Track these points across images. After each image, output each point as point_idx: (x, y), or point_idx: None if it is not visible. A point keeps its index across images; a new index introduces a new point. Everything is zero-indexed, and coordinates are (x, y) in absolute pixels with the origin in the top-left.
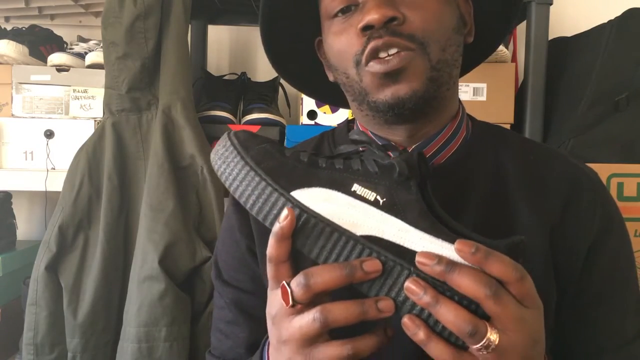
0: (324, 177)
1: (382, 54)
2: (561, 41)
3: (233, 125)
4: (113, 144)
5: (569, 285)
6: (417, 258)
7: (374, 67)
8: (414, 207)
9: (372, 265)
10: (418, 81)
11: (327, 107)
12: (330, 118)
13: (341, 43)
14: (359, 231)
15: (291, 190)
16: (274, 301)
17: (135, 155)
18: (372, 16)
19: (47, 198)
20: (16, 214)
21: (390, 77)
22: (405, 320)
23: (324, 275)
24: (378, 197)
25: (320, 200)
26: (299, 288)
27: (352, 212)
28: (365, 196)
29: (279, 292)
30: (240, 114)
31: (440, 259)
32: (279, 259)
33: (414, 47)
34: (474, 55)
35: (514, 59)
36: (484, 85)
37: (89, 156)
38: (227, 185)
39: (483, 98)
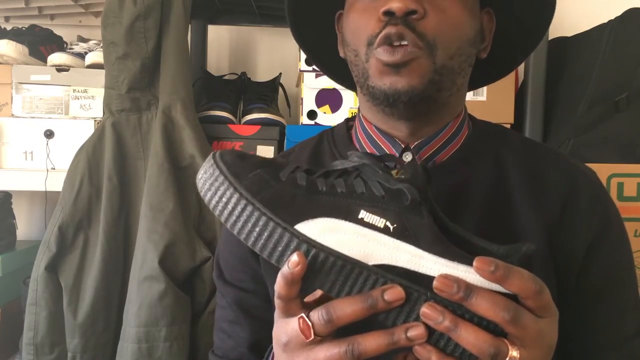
0: (327, 204)
1: (395, 43)
2: (561, 41)
3: (233, 125)
4: (113, 144)
5: (567, 284)
6: (435, 284)
7: (382, 54)
8: (426, 232)
9: (394, 294)
10: (418, 79)
11: (327, 107)
12: (330, 118)
13: (360, 21)
14: (372, 261)
15: (295, 224)
16: (286, 329)
17: (135, 155)
18: (395, 4)
19: (47, 198)
20: (16, 214)
21: (393, 67)
22: (417, 348)
23: (346, 309)
24: (388, 224)
25: (327, 231)
26: (321, 323)
27: (362, 241)
28: (374, 223)
29: (290, 321)
30: (240, 114)
31: (458, 285)
32: (289, 297)
33: (421, 46)
34: (492, 71)
35: None
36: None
37: (89, 156)
38: (222, 219)
39: (483, 98)
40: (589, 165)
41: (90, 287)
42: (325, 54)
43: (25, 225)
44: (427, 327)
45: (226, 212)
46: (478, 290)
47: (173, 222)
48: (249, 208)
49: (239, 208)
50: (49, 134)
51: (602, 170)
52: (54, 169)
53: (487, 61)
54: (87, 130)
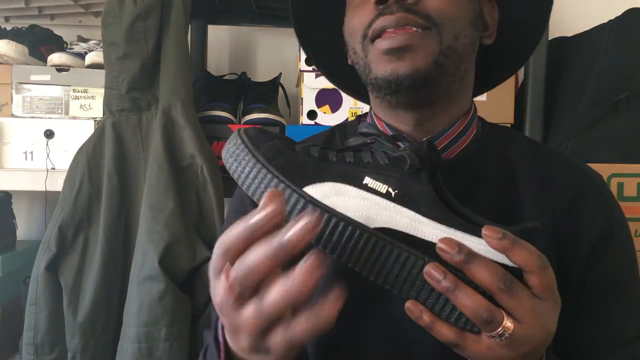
0: (335, 171)
1: (390, 30)
2: (561, 41)
3: (233, 125)
4: (113, 144)
5: (570, 284)
6: (438, 244)
7: (380, 43)
8: (426, 198)
9: (302, 226)
10: (422, 61)
11: (327, 107)
12: (330, 118)
13: (355, 17)
14: (373, 224)
15: (303, 186)
16: (217, 289)
17: (135, 155)
18: None
19: (47, 198)
20: (16, 214)
21: (395, 53)
22: (408, 305)
23: (252, 256)
24: (390, 189)
25: (332, 194)
26: (240, 275)
27: (365, 205)
28: (377, 189)
29: (220, 279)
30: (240, 114)
31: (460, 247)
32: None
33: (428, 25)
34: (500, 73)
35: None
36: None
37: (89, 156)
38: (239, 182)
39: (483, 98)
40: (589, 165)
41: (90, 287)
42: (332, 62)
43: (25, 225)
44: (423, 292)
45: (243, 175)
46: (478, 256)
47: (173, 222)
48: (263, 171)
49: (254, 171)
50: (49, 134)
51: (602, 170)
52: (54, 169)
53: (489, 61)
54: (87, 130)
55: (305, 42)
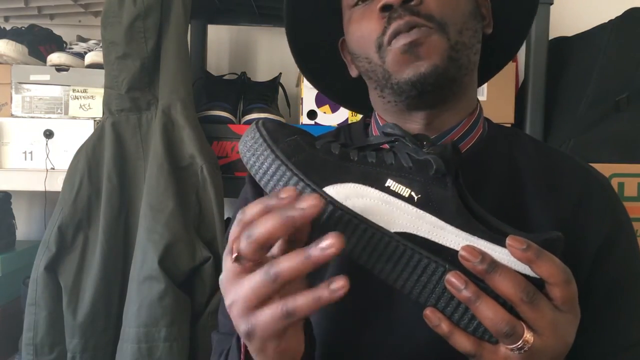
0: (356, 171)
1: (404, 35)
2: (561, 41)
3: (233, 125)
4: (113, 144)
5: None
6: (461, 252)
7: (398, 41)
8: (449, 204)
9: (309, 200)
10: (438, 57)
11: (327, 107)
12: (330, 118)
13: (362, 29)
14: (394, 228)
15: (324, 186)
16: (225, 265)
17: (135, 155)
18: None
19: (47, 198)
20: (16, 214)
21: (412, 51)
22: (427, 312)
23: (265, 224)
24: (413, 194)
25: (353, 196)
26: (244, 242)
27: (386, 208)
28: (399, 192)
29: (229, 256)
30: (240, 114)
31: (483, 257)
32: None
33: (433, 26)
34: (496, 61)
35: (514, 58)
36: (484, 85)
37: (89, 156)
38: (256, 178)
39: (483, 98)
40: (593, 166)
41: (90, 287)
42: (334, 82)
43: (25, 225)
44: (442, 300)
45: (261, 171)
46: (501, 266)
47: (173, 222)
48: (282, 168)
49: (273, 167)
50: (49, 134)
51: (602, 170)
52: (54, 169)
53: (488, 49)
54: (86, 130)
55: (302, 60)
